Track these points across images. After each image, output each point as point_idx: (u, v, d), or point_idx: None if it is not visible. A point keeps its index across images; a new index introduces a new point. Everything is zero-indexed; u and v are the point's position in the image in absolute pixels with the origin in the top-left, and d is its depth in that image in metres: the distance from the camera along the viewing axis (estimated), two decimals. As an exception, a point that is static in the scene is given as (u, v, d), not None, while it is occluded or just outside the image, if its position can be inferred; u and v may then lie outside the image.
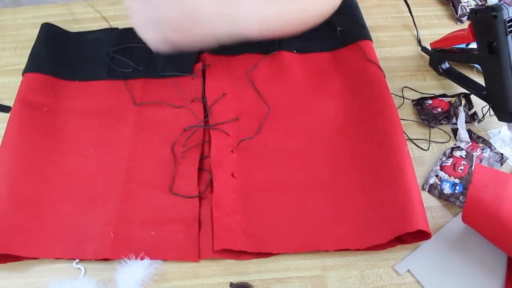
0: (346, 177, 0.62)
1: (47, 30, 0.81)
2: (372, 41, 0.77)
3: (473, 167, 0.63)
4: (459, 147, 0.65)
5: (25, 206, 0.60)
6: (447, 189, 0.62)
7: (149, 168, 0.65)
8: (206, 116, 0.70)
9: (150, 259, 0.57)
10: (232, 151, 0.66)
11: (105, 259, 0.58)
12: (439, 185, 0.62)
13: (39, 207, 0.61)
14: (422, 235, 0.56)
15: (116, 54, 0.79)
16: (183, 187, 0.63)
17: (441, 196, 0.62)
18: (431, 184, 0.62)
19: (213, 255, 0.57)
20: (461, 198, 0.61)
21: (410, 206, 0.56)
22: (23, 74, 0.74)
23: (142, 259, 0.56)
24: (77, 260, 0.58)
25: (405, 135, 0.66)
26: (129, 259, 0.56)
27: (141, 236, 0.58)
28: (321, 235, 0.58)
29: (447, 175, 0.63)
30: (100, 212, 0.61)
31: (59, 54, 0.78)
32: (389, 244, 0.57)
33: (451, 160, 0.64)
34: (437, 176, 0.63)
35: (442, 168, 0.64)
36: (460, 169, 0.63)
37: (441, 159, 0.65)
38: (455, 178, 0.62)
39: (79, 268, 0.57)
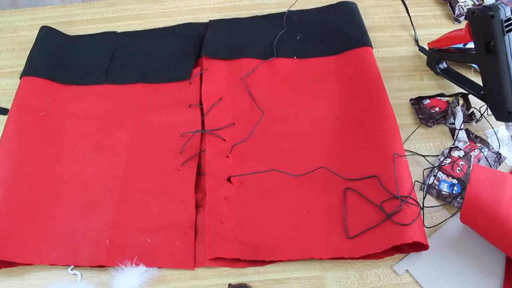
0: (342, 184, 0.62)
1: (45, 33, 0.81)
2: (372, 47, 0.76)
3: (471, 168, 0.63)
4: (457, 147, 0.65)
5: (21, 211, 0.60)
6: (445, 190, 0.62)
7: (146, 174, 0.64)
8: (203, 121, 0.69)
9: (146, 266, 0.56)
10: (227, 156, 0.65)
11: (100, 266, 0.57)
12: (437, 185, 0.62)
13: (34, 212, 0.61)
14: (420, 245, 0.55)
15: (114, 58, 0.78)
16: (180, 194, 0.62)
17: (439, 196, 0.62)
18: (429, 185, 0.62)
19: (208, 263, 0.57)
20: (459, 198, 0.61)
21: (408, 216, 0.56)
22: (20, 78, 0.74)
23: (137, 265, 0.56)
24: (72, 266, 0.57)
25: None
26: (125, 265, 0.56)
27: (137, 243, 0.58)
28: (316, 243, 0.57)
29: (445, 175, 0.63)
30: (96, 218, 0.60)
31: (57, 58, 0.78)
32: (386, 253, 0.56)
33: (449, 160, 0.64)
34: (435, 176, 0.63)
35: (440, 168, 0.64)
36: (458, 170, 0.63)
37: (439, 159, 0.65)
38: (453, 178, 0.62)
39: (74, 274, 0.57)
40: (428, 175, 0.63)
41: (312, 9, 0.85)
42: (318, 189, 0.62)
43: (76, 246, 0.58)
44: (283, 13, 0.84)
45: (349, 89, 0.71)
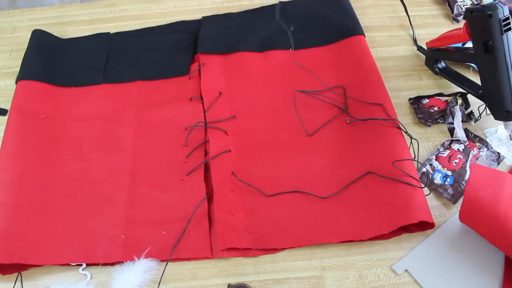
0: (347, 169, 0.63)
1: (38, 36, 0.81)
2: (364, 36, 0.77)
3: (468, 162, 0.63)
4: (458, 140, 0.66)
5: (31, 214, 0.60)
6: (437, 179, 0.62)
7: (154, 169, 0.65)
8: (205, 116, 0.70)
9: (164, 260, 0.57)
10: (230, 150, 0.66)
11: (114, 263, 0.57)
12: (431, 174, 0.62)
13: (45, 214, 0.60)
14: (426, 225, 0.56)
15: (110, 58, 0.78)
16: (190, 184, 0.63)
17: (430, 185, 0.62)
18: (423, 172, 0.63)
19: (221, 254, 0.57)
20: (449, 190, 0.61)
21: (412, 197, 0.57)
22: (16, 82, 0.74)
23: (155, 259, 0.57)
24: (84, 266, 0.57)
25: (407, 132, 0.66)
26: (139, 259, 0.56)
27: (152, 236, 0.58)
28: (324, 227, 0.58)
29: (440, 165, 0.63)
30: (108, 215, 0.60)
31: (52, 60, 0.78)
32: (394, 233, 0.57)
33: (447, 152, 0.64)
34: (431, 165, 0.63)
35: (437, 158, 0.64)
36: (455, 162, 0.63)
37: (438, 149, 0.65)
38: (448, 170, 0.63)
39: (85, 275, 0.57)
40: (424, 163, 0.63)
41: (303, 0, 0.86)
42: (322, 175, 0.63)
43: (89, 244, 0.58)
44: (275, 5, 0.85)
45: (346, 76, 0.73)
